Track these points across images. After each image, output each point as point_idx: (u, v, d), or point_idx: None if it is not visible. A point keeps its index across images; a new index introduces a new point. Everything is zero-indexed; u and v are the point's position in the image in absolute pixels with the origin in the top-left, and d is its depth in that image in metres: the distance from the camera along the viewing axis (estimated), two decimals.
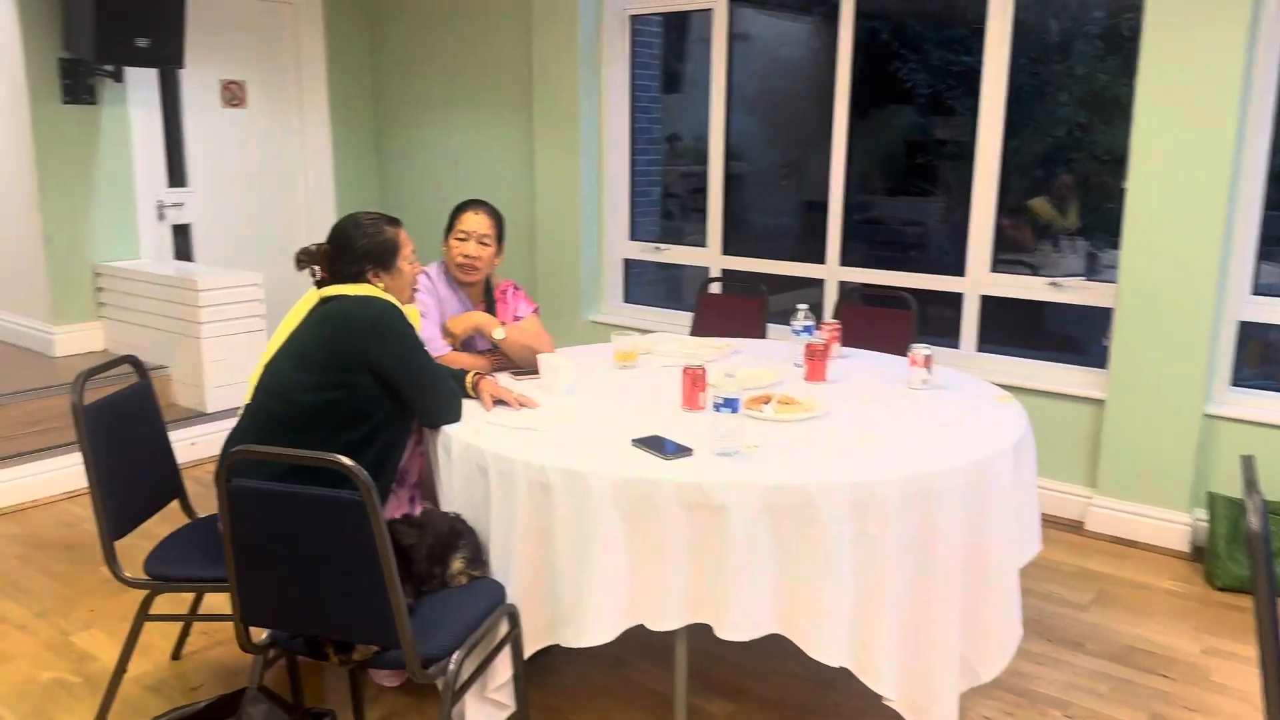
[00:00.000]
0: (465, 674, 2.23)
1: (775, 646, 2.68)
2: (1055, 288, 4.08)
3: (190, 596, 3.07)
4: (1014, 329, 4.34)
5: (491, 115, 5.72)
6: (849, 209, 4.62)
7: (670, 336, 3.57)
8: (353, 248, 2.53)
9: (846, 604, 2.16)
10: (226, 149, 5.78)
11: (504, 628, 2.32)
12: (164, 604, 3.09)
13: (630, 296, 5.59)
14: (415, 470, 2.78)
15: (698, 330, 4.21)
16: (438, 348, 3.01)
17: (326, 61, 6.09)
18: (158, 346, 4.96)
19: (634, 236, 5.49)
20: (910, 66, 4.60)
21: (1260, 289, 3.66)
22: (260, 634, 2.18)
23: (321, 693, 2.76)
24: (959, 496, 2.24)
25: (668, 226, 5.58)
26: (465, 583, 2.31)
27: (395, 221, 2.60)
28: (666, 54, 5.52)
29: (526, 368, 3.08)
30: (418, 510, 2.71)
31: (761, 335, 4.04)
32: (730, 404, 2.29)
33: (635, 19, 5.25)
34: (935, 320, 4.41)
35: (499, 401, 2.70)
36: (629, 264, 5.55)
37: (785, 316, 3.43)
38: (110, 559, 2.44)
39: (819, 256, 4.72)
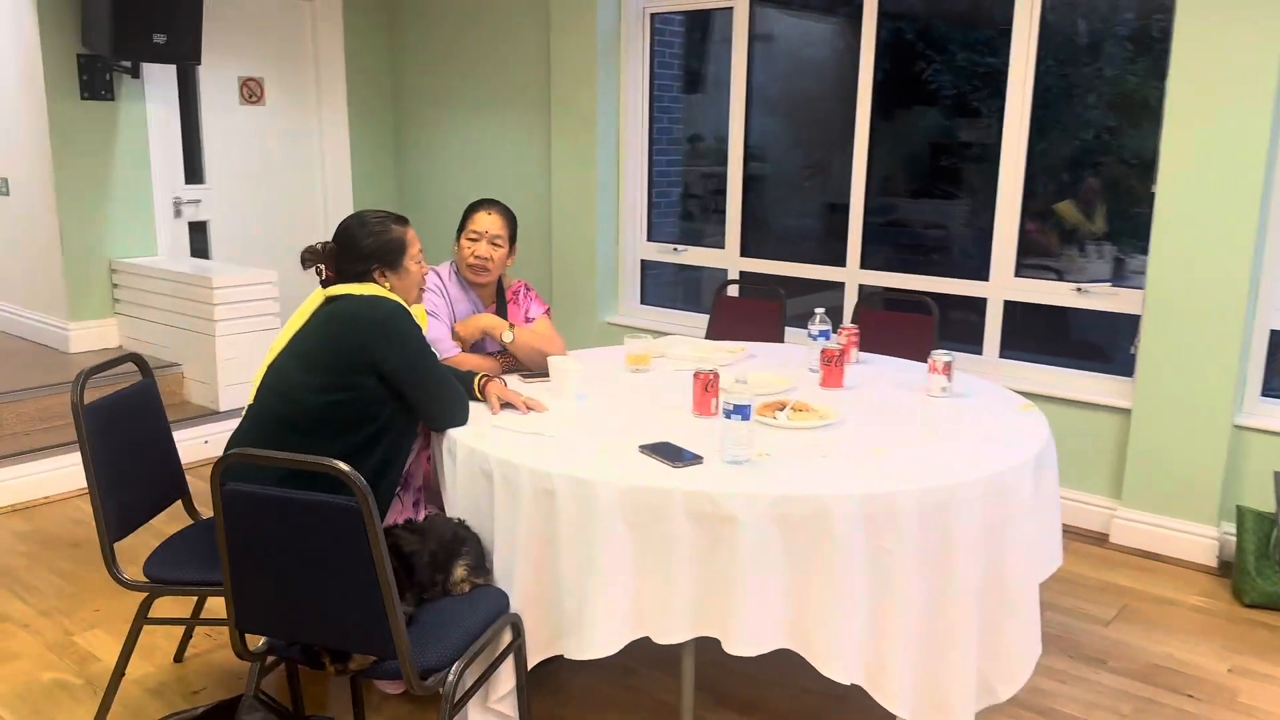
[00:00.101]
0: (467, 684, 2.18)
1: (786, 659, 2.61)
2: (1081, 293, 3.99)
3: (194, 599, 3.03)
4: (1038, 335, 4.26)
5: (509, 114, 5.68)
6: (871, 211, 4.55)
7: (684, 340, 3.51)
8: (358, 247, 2.48)
9: (860, 619, 2.09)
10: (244, 146, 5.77)
11: (507, 637, 2.26)
12: (168, 606, 3.07)
13: (648, 298, 5.53)
14: (420, 474, 2.73)
15: (713, 333, 4.14)
16: (446, 348, 2.96)
17: (345, 59, 6.08)
18: (172, 343, 4.95)
19: (654, 237, 5.43)
20: (935, 68, 4.53)
21: None
22: (257, 640, 2.14)
23: (323, 699, 2.72)
24: (978, 509, 2.16)
25: (688, 228, 5.53)
26: (468, 590, 2.26)
27: (403, 220, 2.55)
28: (689, 53, 5.47)
29: (536, 370, 3.02)
30: (422, 515, 2.66)
31: (779, 339, 3.97)
32: (741, 410, 2.22)
33: (656, 17, 5.19)
34: (957, 325, 4.33)
35: (506, 404, 2.64)
36: (647, 265, 5.49)
37: (804, 320, 3.36)
38: (109, 559, 2.40)
39: (840, 259, 4.65)
